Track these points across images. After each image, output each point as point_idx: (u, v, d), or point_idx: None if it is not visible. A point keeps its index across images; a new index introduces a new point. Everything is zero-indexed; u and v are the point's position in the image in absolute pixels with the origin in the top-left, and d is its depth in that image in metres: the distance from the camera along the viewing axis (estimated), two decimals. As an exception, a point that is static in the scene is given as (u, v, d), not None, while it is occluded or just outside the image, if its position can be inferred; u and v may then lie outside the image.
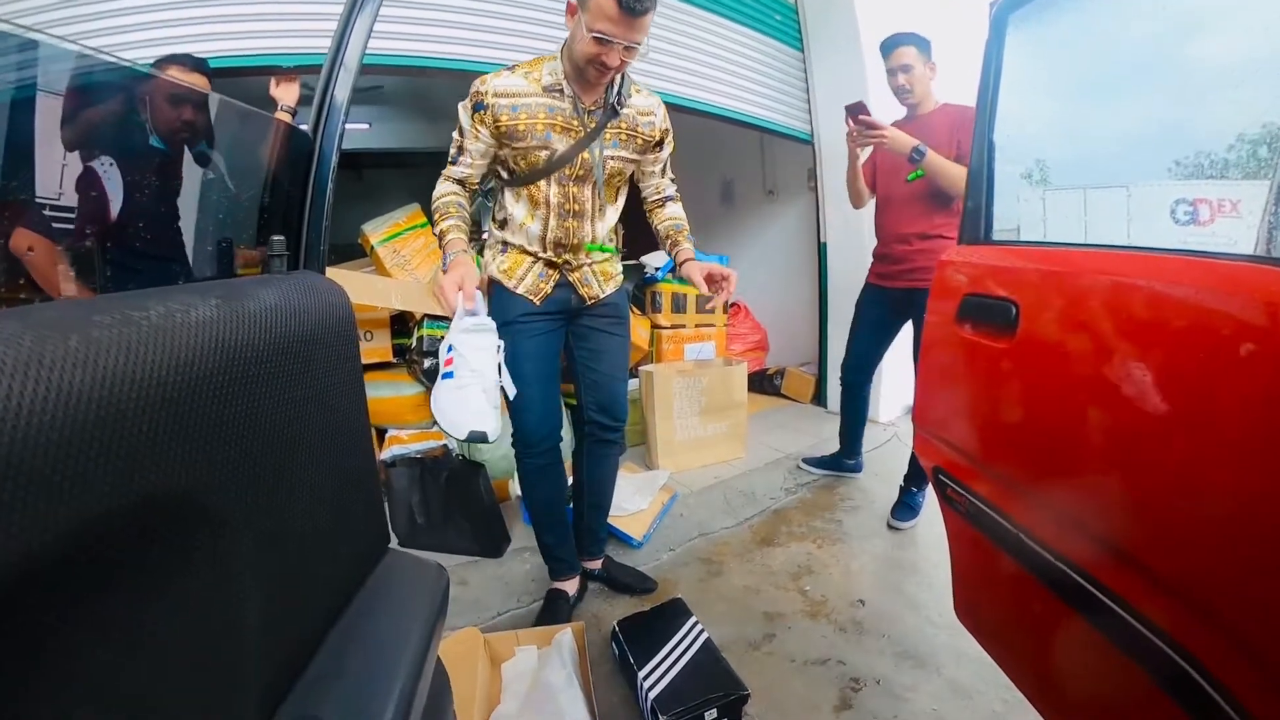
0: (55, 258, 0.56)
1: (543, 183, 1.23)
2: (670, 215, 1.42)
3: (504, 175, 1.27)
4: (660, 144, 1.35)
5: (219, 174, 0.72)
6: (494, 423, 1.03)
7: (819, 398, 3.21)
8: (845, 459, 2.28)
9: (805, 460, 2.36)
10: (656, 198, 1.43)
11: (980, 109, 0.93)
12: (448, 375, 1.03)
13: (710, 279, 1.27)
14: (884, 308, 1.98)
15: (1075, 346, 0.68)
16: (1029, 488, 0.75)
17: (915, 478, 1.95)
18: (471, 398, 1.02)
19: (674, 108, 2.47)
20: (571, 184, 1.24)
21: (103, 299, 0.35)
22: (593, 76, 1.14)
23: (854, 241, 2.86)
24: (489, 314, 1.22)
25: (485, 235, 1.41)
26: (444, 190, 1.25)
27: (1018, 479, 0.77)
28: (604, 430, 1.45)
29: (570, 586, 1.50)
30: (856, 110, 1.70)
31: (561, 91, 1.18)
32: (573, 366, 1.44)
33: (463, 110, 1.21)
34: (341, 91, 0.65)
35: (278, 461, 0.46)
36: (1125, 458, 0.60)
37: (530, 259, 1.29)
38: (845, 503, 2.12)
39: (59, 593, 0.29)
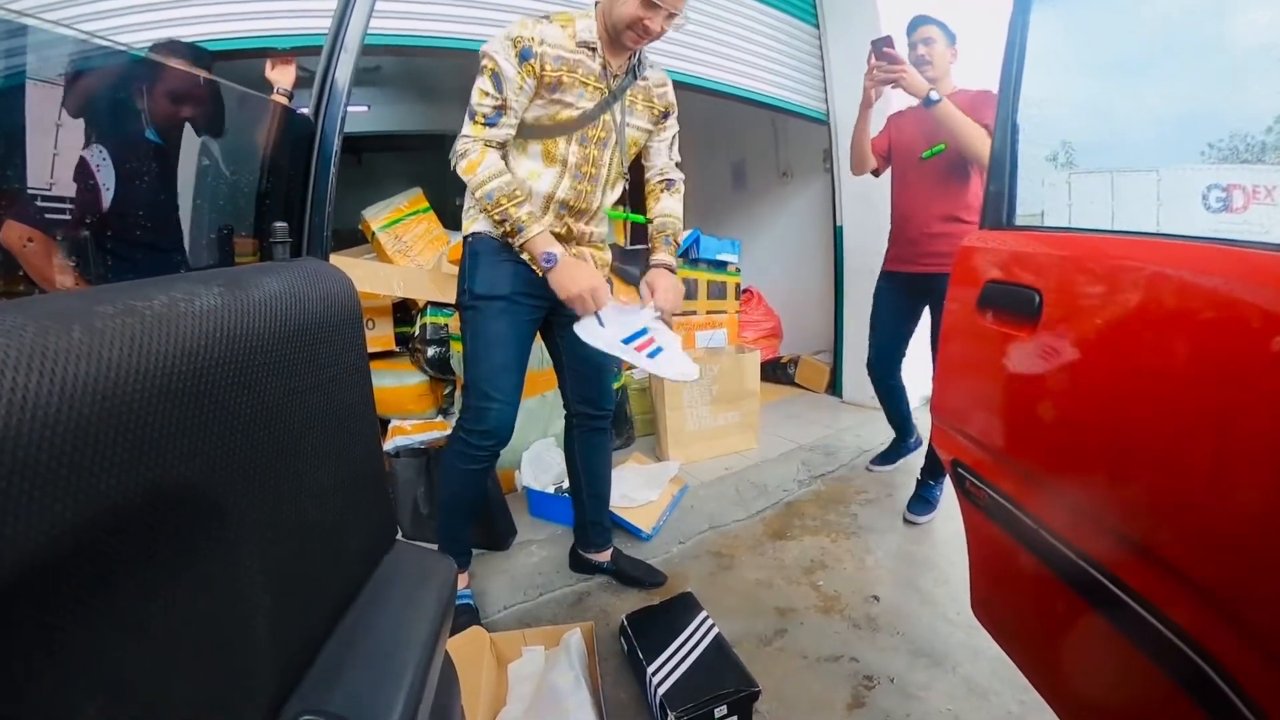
0: (49, 251, 0.56)
1: (562, 140, 1.19)
2: (664, 210, 1.39)
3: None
4: (667, 114, 1.35)
5: (214, 162, 0.71)
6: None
7: (834, 387, 3.17)
8: (903, 443, 2.24)
9: (873, 462, 2.32)
10: (660, 179, 1.39)
11: (1003, 89, 0.89)
12: (657, 350, 1.27)
13: (649, 287, 1.31)
14: (901, 293, 1.93)
15: (1100, 337, 0.66)
16: (1050, 482, 0.73)
17: (932, 471, 1.93)
18: (680, 353, 1.29)
19: (684, 86, 2.43)
20: (592, 146, 1.22)
21: (105, 289, 0.35)
22: (631, 40, 1.16)
23: (871, 225, 2.81)
24: (470, 285, 1.24)
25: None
26: (493, 167, 1.11)
27: (1038, 473, 0.75)
28: (592, 419, 1.43)
29: (465, 580, 1.43)
30: (883, 43, 1.65)
31: (594, 50, 1.19)
32: (556, 357, 1.42)
33: (503, 59, 1.10)
34: (342, 74, 0.64)
35: (284, 452, 0.46)
36: (1150, 453, 0.58)
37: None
38: (860, 496, 2.10)
39: (66, 588, 0.28)
